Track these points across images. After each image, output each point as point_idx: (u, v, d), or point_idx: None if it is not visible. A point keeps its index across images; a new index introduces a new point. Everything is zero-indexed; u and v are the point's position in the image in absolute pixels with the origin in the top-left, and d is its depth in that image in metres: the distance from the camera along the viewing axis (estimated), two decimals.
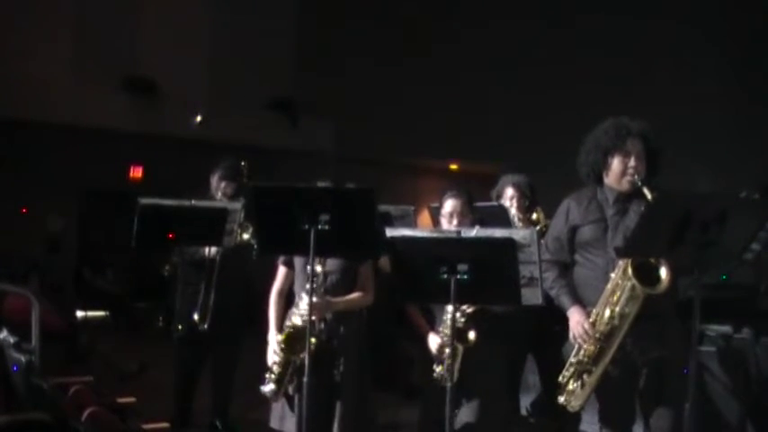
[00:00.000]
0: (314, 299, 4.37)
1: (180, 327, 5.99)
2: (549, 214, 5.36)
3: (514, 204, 5.66)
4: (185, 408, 6.16)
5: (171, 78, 12.74)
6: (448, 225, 4.47)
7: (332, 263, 4.62)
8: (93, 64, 12.41)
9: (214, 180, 6.27)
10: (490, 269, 3.77)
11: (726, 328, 6.00)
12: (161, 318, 11.39)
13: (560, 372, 4.28)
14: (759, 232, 3.90)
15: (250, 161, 6.39)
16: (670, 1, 12.79)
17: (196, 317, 5.98)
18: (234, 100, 13.29)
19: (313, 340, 4.34)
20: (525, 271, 3.75)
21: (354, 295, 4.67)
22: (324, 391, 4.52)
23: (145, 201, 5.52)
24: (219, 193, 6.21)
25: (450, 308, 4.27)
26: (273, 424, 4.71)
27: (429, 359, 4.55)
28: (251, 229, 5.80)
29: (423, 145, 14.47)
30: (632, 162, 4.18)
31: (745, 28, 12.17)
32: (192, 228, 5.49)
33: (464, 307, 4.33)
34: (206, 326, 5.98)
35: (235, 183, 6.23)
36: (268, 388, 4.59)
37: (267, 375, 4.62)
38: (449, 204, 4.53)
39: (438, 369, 4.38)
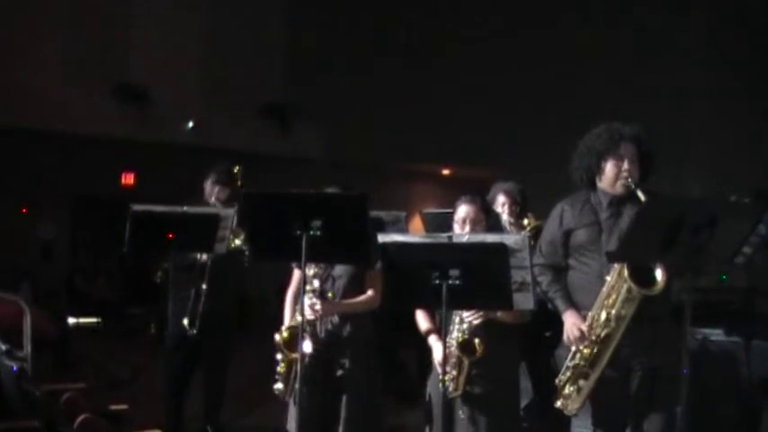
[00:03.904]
0: (314, 301, 4.42)
1: (171, 331, 5.99)
2: (542, 219, 5.38)
3: (506, 211, 5.68)
4: (176, 414, 6.15)
5: (162, 85, 12.71)
6: (460, 231, 4.40)
7: (340, 267, 4.65)
8: (85, 71, 12.38)
9: (208, 185, 6.26)
10: (482, 274, 3.77)
11: (718, 332, 6.02)
12: (153, 324, 11.39)
13: (553, 376, 4.28)
14: (750, 236, 3.92)
15: (242, 167, 6.38)
16: (662, 4, 12.83)
17: (186, 322, 5.96)
18: (225, 106, 13.28)
19: (309, 342, 4.36)
20: (517, 276, 3.76)
21: (361, 298, 4.66)
22: (326, 391, 4.54)
23: (137, 207, 5.51)
24: (213, 198, 6.20)
25: (457, 319, 4.27)
26: (288, 426, 4.69)
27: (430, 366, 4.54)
28: (243, 235, 5.79)
29: (415, 151, 14.48)
30: (626, 166, 4.19)
31: (738, 31, 12.22)
32: (184, 234, 5.48)
33: (469, 318, 4.29)
34: (195, 331, 5.96)
35: (228, 188, 6.20)
36: (277, 386, 4.63)
37: (277, 375, 4.66)
38: (462, 210, 4.45)
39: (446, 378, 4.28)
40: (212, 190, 6.21)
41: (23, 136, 11.87)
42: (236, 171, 6.29)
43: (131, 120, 12.42)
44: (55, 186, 12.98)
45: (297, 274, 4.84)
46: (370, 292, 4.64)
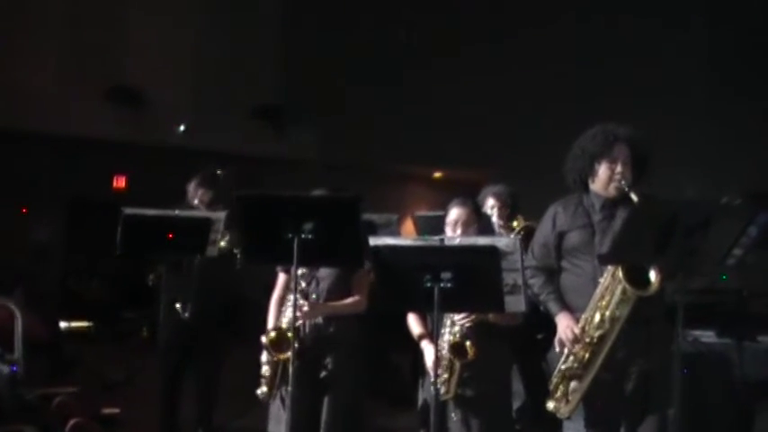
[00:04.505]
0: (301, 302, 4.42)
1: (162, 333, 5.98)
2: (532, 220, 5.40)
3: (495, 213, 5.70)
4: (170, 417, 6.14)
5: (156, 88, 12.70)
6: (452, 233, 4.43)
7: (325, 269, 4.64)
8: (79, 74, 12.35)
9: (191, 187, 6.27)
10: (474, 277, 3.77)
11: (710, 333, 6.04)
12: (146, 327, 11.38)
13: (544, 379, 4.28)
14: (741, 237, 3.93)
15: (236, 170, 6.38)
16: (655, 5, 12.83)
17: (178, 306, 5.93)
18: (219, 109, 13.26)
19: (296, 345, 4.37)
20: (509, 278, 3.76)
21: (346, 301, 4.66)
22: (312, 392, 4.54)
23: (128, 210, 5.52)
24: (196, 201, 6.21)
25: (448, 321, 4.27)
26: (271, 428, 4.70)
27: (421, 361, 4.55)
28: (228, 237, 5.81)
29: (407, 153, 14.47)
30: (619, 168, 4.19)
31: (730, 33, 12.23)
32: (175, 237, 5.48)
33: (461, 321, 4.29)
34: (187, 314, 5.94)
35: (212, 190, 6.23)
36: (260, 390, 4.62)
37: (261, 378, 4.66)
38: (454, 212, 4.48)
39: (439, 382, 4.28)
40: (196, 192, 6.24)
41: (17, 138, 11.85)
42: (219, 174, 6.32)
43: (124, 123, 12.40)
44: (50, 188, 12.94)
45: (282, 277, 4.85)
46: (356, 297, 4.65)
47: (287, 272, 4.81)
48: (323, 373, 4.61)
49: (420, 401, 4.58)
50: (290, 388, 4.24)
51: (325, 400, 4.59)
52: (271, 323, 4.78)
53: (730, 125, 11.96)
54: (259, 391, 4.66)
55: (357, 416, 4.80)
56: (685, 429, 4.02)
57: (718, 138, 11.99)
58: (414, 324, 4.58)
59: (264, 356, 4.65)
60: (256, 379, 4.69)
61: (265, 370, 4.62)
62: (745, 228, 3.88)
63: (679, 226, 3.79)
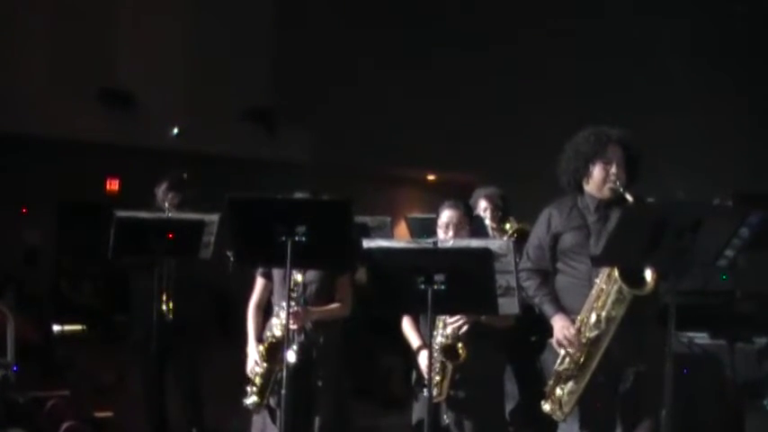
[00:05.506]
0: (296, 309, 4.41)
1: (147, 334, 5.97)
2: (524, 222, 5.41)
3: (488, 216, 5.71)
4: (159, 420, 6.13)
5: (147, 90, 12.67)
6: (444, 236, 4.43)
7: (311, 273, 4.65)
8: (70, 76, 12.31)
9: (160, 191, 6.25)
10: (467, 279, 3.78)
11: (702, 334, 6.06)
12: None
13: (538, 381, 4.28)
14: (732, 239, 3.93)
15: (189, 174, 6.41)
16: (643, 7, 12.85)
17: (164, 307, 5.90)
18: (211, 111, 13.24)
19: (293, 352, 4.35)
20: (502, 280, 3.77)
21: (333, 306, 4.69)
22: (303, 400, 4.53)
23: (121, 213, 5.51)
24: (167, 204, 6.20)
25: (440, 323, 4.27)
26: None
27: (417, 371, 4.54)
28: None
29: (400, 156, 14.47)
30: (613, 169, 4.20)
31: (718, 35, 12.25)
32: (168, 240, 5.48)
33: (455, 324, 4.29)
34: (171, 316, 5.90)
35: (180, 193, 6.23)
36: (250, 400, 4.62)
37: (249, 388, 4.64)
38: (445, 215, 4.48)
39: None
40: (166, 196, 6.22)
41: (8, 141, 11.82)
42: (185, 178, 6.34)
43: (116, 125, 12.37)
44: (40, 192, 12.92)
45: (260, 281, 4.84)
46: (341, 302, 4.69)
47: (266, 276, 4.81)
48: (314, 380, 4.62)
49: (414, 419, 4.55)
50: (284, 391, 4.23)
51: (317, 407, 4.60)
52: (251, 329, 4.77)
53: (722, 126, 11.98)
54: (249, 401, 4.64)
55: (346, 419, 4.82)
56: (677, 430, 4.03)
57: (709, 138, 12.00)
58: (410, 333, 4.55)
59: (255, 366, 4.63)
60: (247, 382, 4.68)
61: (257, 380, 4.60)
62: (736, 229, 3.88)
63: (670, 227, 3.80)
